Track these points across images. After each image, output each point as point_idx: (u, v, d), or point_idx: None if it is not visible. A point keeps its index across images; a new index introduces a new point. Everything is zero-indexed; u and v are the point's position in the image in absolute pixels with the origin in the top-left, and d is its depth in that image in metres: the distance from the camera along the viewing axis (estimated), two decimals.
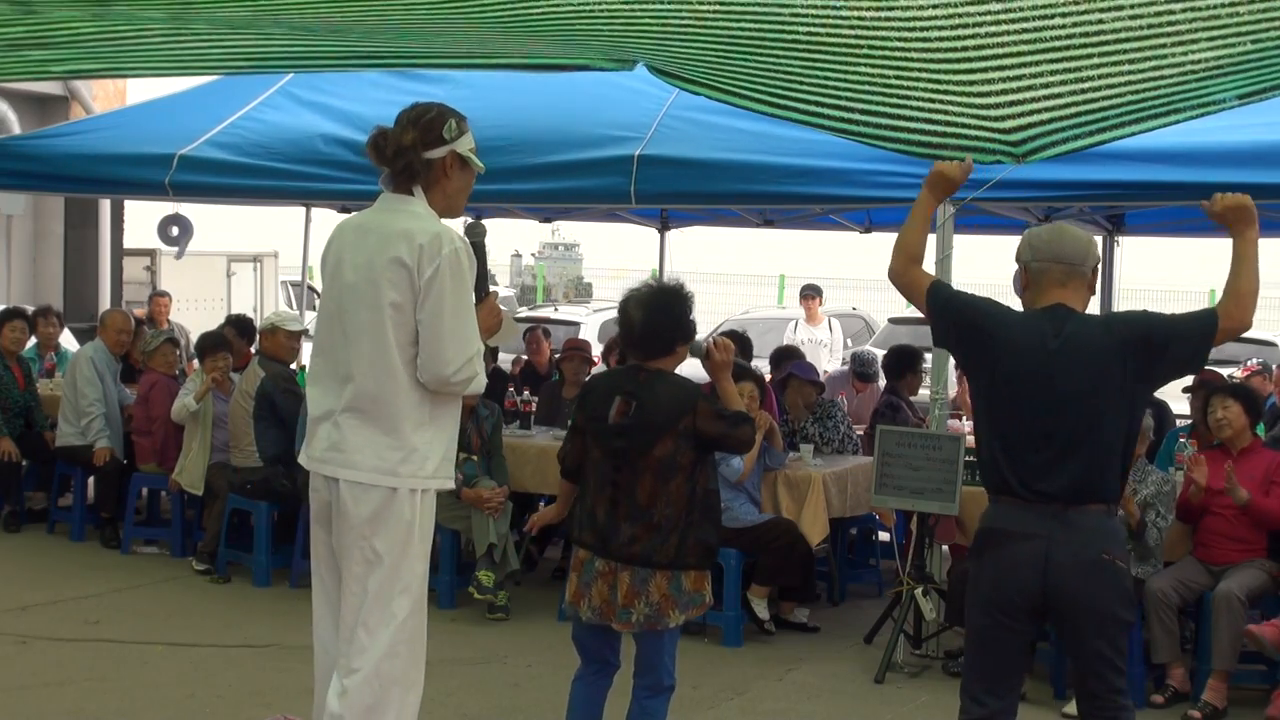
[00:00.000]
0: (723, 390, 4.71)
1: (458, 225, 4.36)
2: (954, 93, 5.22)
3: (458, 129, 4.24)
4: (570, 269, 46.33)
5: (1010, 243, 10.27)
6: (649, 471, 4.50)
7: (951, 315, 4.18)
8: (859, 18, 4.48)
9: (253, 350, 8.97)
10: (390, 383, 4.10)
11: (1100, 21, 4.43)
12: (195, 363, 9.17)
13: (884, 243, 11.81)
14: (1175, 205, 8.40)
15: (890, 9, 4.38)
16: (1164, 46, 4.65)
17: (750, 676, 6.51)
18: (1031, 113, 5.37)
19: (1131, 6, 4.31)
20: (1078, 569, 3.90)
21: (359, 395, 4.12)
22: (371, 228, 4.21)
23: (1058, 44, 4.65)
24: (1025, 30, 4.54)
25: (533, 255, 47.91)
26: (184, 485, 8.49)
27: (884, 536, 8.33)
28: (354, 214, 4.47)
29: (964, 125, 5.57)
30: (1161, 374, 4.06)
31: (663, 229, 11.78)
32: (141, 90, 17.72)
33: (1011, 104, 5.28)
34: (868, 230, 10.69)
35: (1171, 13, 4.33)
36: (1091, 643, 3.98)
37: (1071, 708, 6.08)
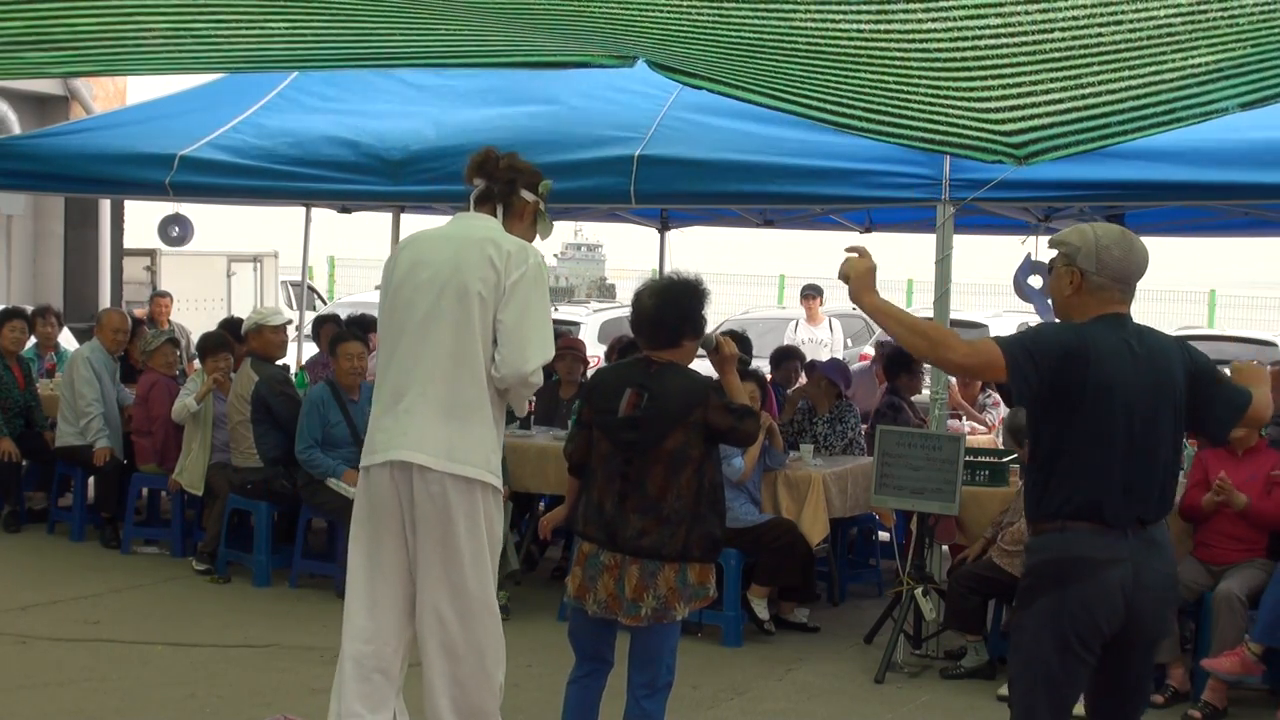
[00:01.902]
0: (728, 384, 4.76)
1: None
2: (954, 97, 5.24)
3: (547, 190, 4.58)
4: (593, 270, 46.45)
5: (1010, 243, 10.30)
6: (660, 464, 4.52)
7: (1040, 352, 3.78)
8: (858, 30, 4.50)
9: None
10: (469, 375, 4.24)
11: (1099, 35, 4.45)
12: (196, 363, 9.17)
13: (884, 243, 11.79)
14: (1175, 205, 8.40)
15: (889, 22, 4.39)
16: (1163, 53, 4.66)
17: (750, 676, 6.51)
18: (1032, 117, 5.39)
19: (1130, 21, 4.32)
20: (1159, 589, 3.80)
21: (434, 381, 4.24)
22: (453, 236, 4.40)
23: (1057, 55, 4.67)
24: (1024, 43, 4.56)
25: (555, 256, 47.99)
26: (184, 485, 8.49)
27: (884, 536, 8.33)
28: (429, 228, 4.66)
29: (965, 125, 5.58)
30: (1192, 413, 3.93)
31: (663, 229, 11.78)
32: (142, 90, 17.74)
33: (1012, 108, 5.29)
34: (868, 230, 10.69)
35: (1170, 24, 4.34)
36: (1149, 659, 3.92)
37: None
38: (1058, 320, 4.05)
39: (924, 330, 3.83)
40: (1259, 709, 6.16)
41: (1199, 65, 4.77)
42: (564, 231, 42.62)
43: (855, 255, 3.92)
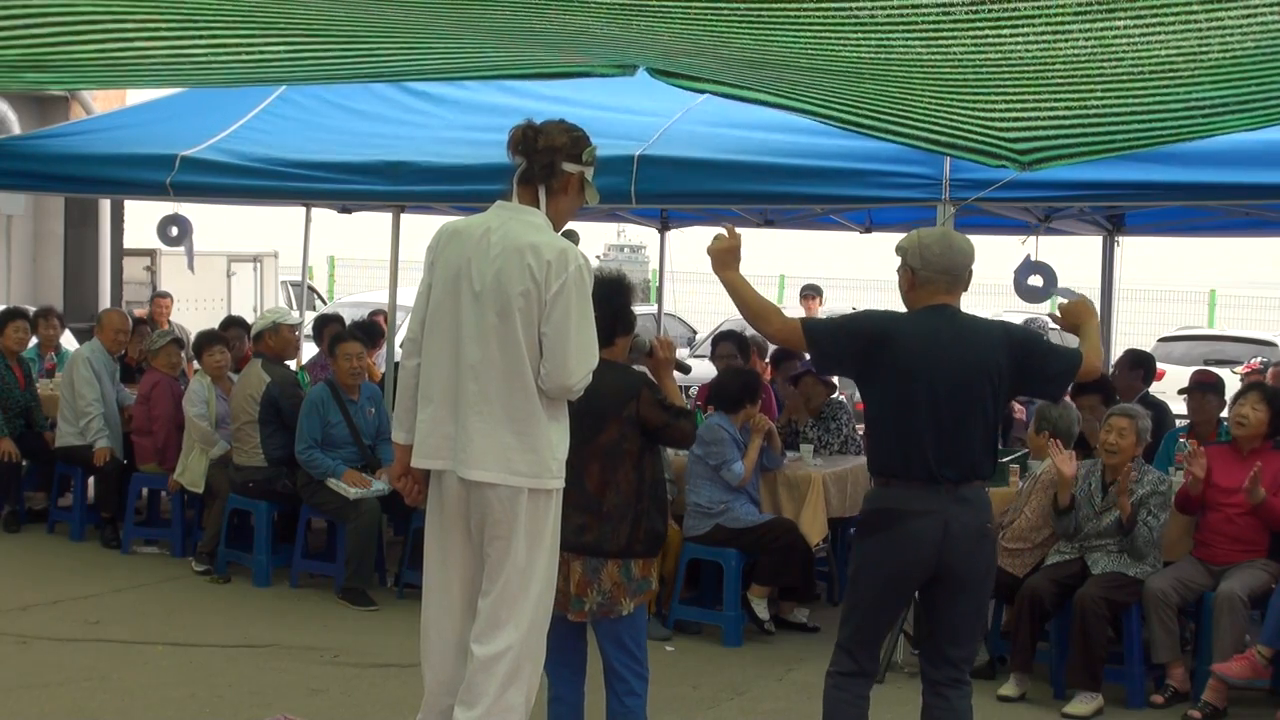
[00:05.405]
0: (665, 388, 4.83)
1: None
2: (958, 106, 5.25)
3: (592, 157, 4.40)
4: (636, 270, 46.44)
5: (1010, 243, 10.31)
6: (596, 460, 4.58)
7: (847, 334, 4.45)
8: (859, 57, 4.52)
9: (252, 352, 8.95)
10: (521, 391, 4.21)
11: (1101, 68, 4.46)
12: (195, 363, 9.15)
13: (884, 242, 11.73)
14: (1175, 205, 8.40)
15: (889, 50, 4.41)
16: (1167, 87, 4.68)
17: (750, 676, 6.51)
18: (1036, 127, 5.40)
19: (1134, 59, 4.32)
20: (968, 539, 4.33)
21: (488, 398, 4.21)
22: (496, 237, 4.27)
23: (1059, 82, 4.69)
24: (1025, 72, 4.58)
25: (598, 257, 47.90)
26: (184, 484, 8.49)
27: None
28: (469, 217, 4.48)
29: (970, 130, 5.58)
30: (1028, 379, 4.49)
31: (663, 229, 11.78)
32: (141, 92, 17.72)
33: (1016, 119, 5.31)
34: (868, 230, 10.69)
35: (1173, 63, 4.34)
36: (969, 603, 4.42)
37: (1073, 707, 6.08)
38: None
39: (751, 304, 4.49)
40: (1259, 709, 6.16)
41: (1203, 100, 4.78)
42: (607, 233, 42.72)
43: (723, 235, 4.55)
